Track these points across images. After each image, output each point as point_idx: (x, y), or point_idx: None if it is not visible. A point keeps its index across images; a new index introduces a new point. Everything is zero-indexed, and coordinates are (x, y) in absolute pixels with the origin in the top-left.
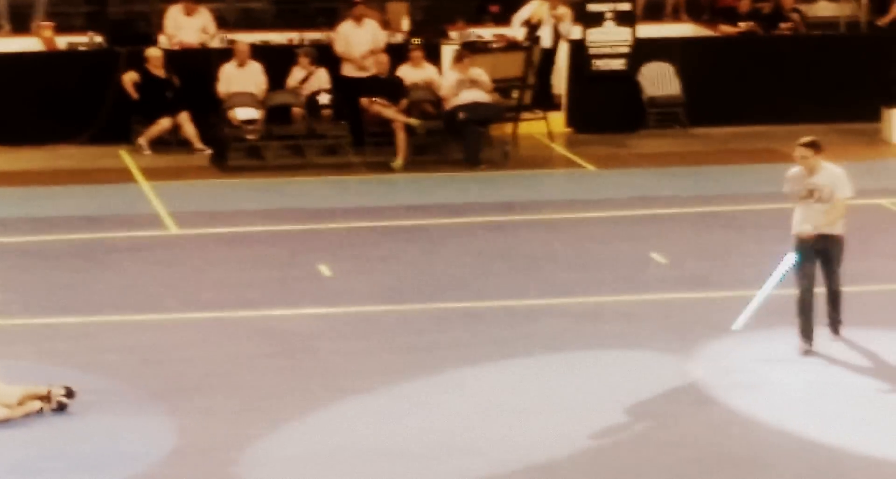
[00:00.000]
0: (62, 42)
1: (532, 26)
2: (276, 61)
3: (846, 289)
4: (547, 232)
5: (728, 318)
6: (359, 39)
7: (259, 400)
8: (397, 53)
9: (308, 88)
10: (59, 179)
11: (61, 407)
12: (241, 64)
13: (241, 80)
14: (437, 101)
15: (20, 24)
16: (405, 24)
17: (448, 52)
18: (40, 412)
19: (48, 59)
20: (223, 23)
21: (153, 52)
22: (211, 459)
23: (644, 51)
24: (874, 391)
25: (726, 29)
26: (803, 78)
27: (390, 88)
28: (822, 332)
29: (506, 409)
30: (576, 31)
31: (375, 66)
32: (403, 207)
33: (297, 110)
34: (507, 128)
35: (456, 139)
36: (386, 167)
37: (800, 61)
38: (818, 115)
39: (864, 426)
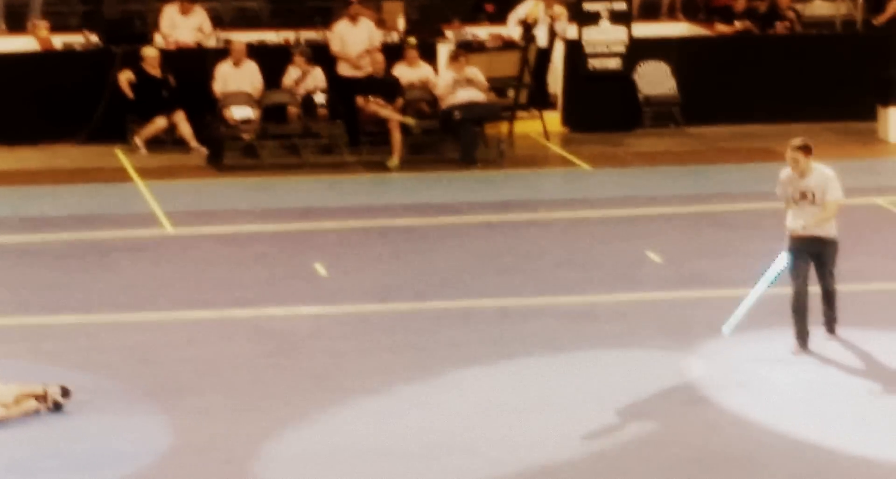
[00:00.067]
0: (58, 41)
1: (528, 25)
2: (272, 60)
3: (842, 288)
4: (543, 231)
5: (723, 317)
6: (354, 39)
7: (255, 399)
8: (393, 53)
9: (304, 88)
10: (54, 179)
11: (57, 406)
12: (237, 63)
13: (236, 79)
14: (433, 100)
15: (16, 24)
16: (401, 23)
17: (444, 51)
18: (36, 411)
19: (44, 59)
20: (219, 22)
21: (149, 52)
22: (207, 458)
23: (640, 50)
24: (869, 392)
25: (722, 28)
26: (799, 77)
27: (386, 87)
28: (818, 331)
29: (504, 408)
30: (571, 31)
31: (371, 66)
32: (399, 206)
33: (292, 110)
34: (503, 127)
35: (452, 138)
36: (382, 167)
37: (795, 60)
38: (814, 114)
39: (859, 427)
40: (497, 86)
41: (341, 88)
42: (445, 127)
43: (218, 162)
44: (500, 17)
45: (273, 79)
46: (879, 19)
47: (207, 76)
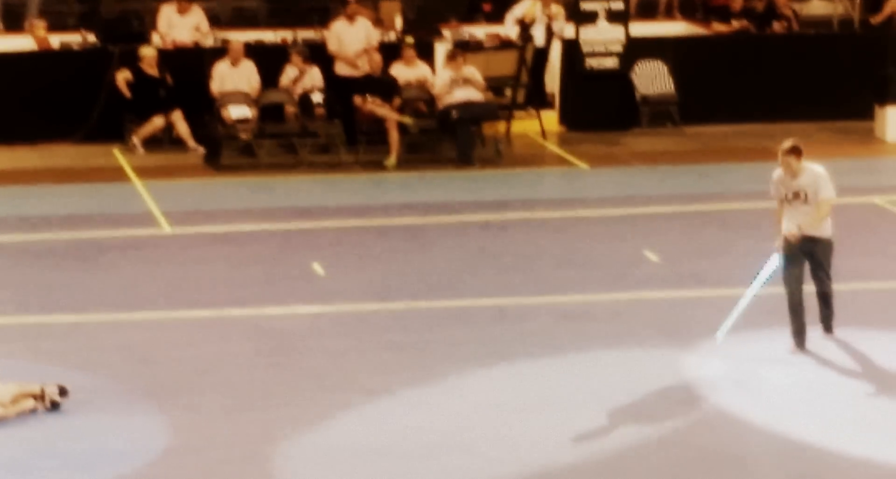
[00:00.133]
0: (55, 41)
1: (525, 25)
2: (270, 60)
3: (840, 287)
4: (540, 230)
5: (721, 316)
6: (352, 38)
7: (252, 399)
8: (390, 52)
9: (301, 87)
10: (51, 178)
11: (54, 406)
12: (235, 62)
13: (234, 78)
14: (430, 99)
15: (13, 23)
16: (398, 22)
17: (441, 50)
18: (34, 410)
19: (41, 58)
20: (216, 21)
21: (146, 51)
22: (205, 458)
23: (637, 49)
24: (865, 392)
25: (719, 27)
26: (796, 76)
27: (383, 86)
28: (815, 331)
29: (503, 408)
30: (569, 30)
31: (368, 65)
32: (396, 205)
33: (290, 109)
34: (501, 126)
35: (449, 138)
36: (379, 166)
37: (793, 60)
38: (811, 113)
39: (855, 427)
40: (494, 85)
41: (339, 88)
42: (443, 126)
43: (215, 161)
44: (497, 17)
45: (270, 78)
46: (877, 18)
47: (205, 76)
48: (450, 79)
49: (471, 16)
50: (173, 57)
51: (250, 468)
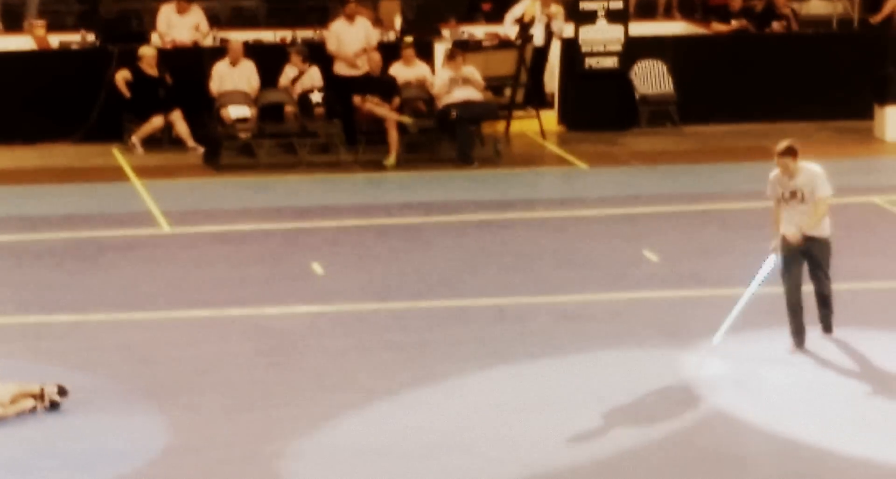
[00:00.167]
0: (54, 40)
1: (524, 24)
2: (269, 60)
3: (839, 287)
4: (539, 230)
5: (720, 316)
6: (351, 38)
7: (252, 399)
8: (389, 52)
9: (300, 87)
10: (51, 178)
11: (54, 405)
12: (234, 62)
13: (233, 78)
14: (430, 99)
15: (12, 23)
16: (397, 22)
17: (440, 50)
18: (33, 410)
19: (40, 58)
20: (216, 21)
21: (146, 51)
22: (205, 457)
23: (636, 49)
24: (865, 392)
25: (718, 27)
26: (796, 76)
27: (383, 86)
28: (814, 331)
29: (503, 408)
30: (568, 29)
31: (368, 65)
32: (396, 205)
33: (289, 109)
34: (500, 126)
35: (448, 137)
36: (378, 165)
37: (792, 59)
38: (810, 112)
39: (854, 427)
40: (494, 85)
41: (338, 87)
42: (442, 126)
43: (215, 161)
44: (496, 16)
45: (270, 78)
46: (876, 18)
47: (204, 75)
48: (449, 78)
49: (470, 15)
50: (173, 57)
51: (250, 468)
